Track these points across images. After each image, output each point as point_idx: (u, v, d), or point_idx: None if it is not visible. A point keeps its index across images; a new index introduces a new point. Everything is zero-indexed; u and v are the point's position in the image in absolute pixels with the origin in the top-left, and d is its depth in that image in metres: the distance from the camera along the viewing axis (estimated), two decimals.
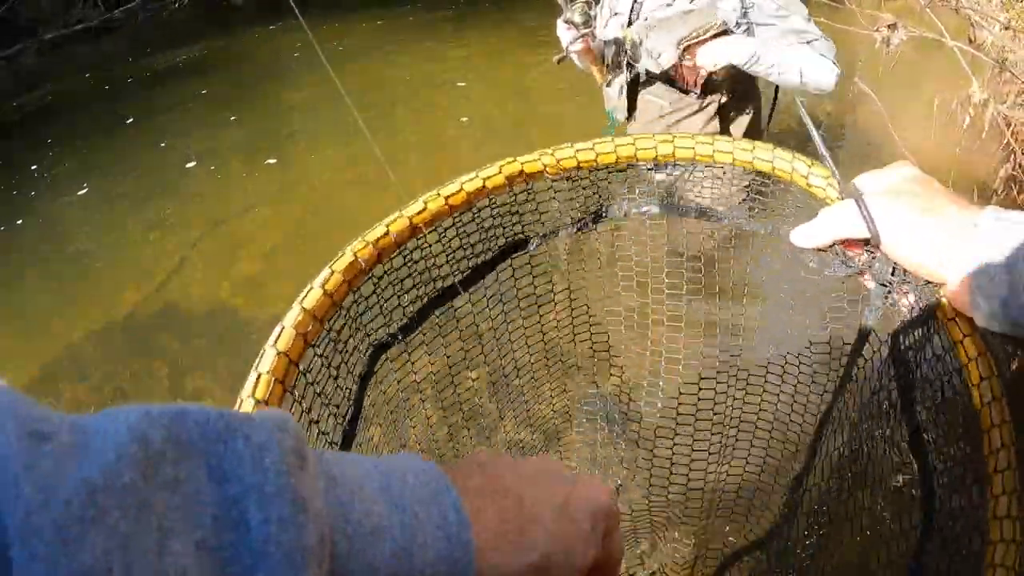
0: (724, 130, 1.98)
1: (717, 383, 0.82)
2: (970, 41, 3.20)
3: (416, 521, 0.27)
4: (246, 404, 0.45)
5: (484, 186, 0.60)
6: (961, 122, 2.75)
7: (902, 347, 0.56)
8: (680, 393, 0.85)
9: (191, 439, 0.21)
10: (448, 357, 0.71)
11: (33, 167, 4.05)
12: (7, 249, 3.36)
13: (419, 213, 0.57)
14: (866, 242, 0.53)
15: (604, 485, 0.37)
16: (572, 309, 0.82)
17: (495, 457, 0.35)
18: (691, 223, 0.71)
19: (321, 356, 0.52)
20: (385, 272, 0.57)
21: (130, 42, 5.82)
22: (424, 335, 0.64)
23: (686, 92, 1.89)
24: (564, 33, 1.90)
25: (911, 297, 0.54)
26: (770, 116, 2.10)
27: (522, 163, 0.61)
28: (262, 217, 3.18)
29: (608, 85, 2.04)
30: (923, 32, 2.89)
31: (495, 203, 0.62)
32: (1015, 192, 2.54)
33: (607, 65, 1.92)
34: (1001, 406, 0.46)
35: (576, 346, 0.85)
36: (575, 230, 0.68)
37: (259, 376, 0.46)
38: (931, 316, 0.52)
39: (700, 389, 0.83)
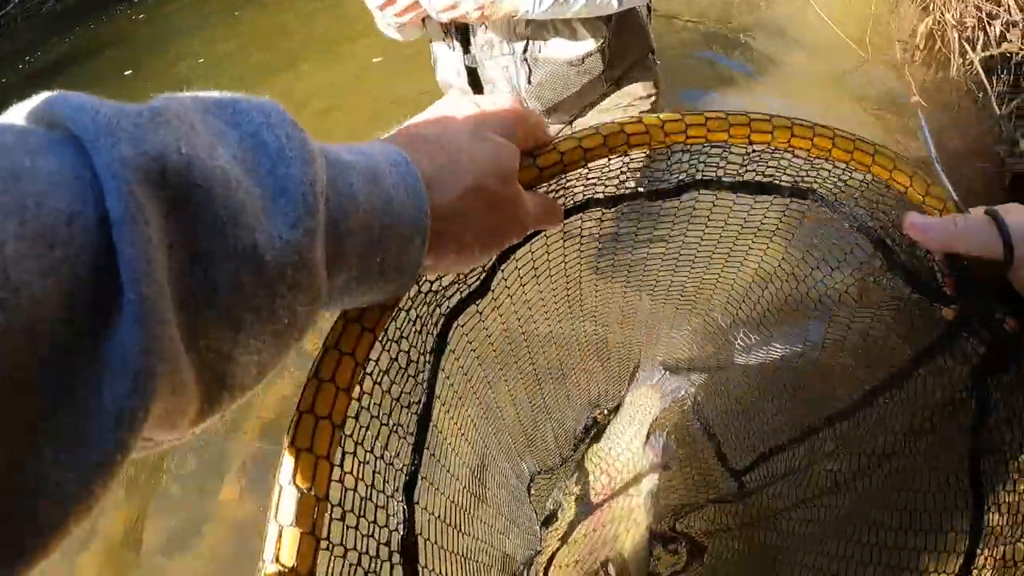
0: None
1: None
2: None
3: (374, 160, 0.34)
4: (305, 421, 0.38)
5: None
6: None
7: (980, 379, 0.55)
8: None
9: (229, 117, 0.29)
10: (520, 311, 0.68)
11: None
12: None
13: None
14: (987, 265, 0.47)
15: (509, 96, 0.42)
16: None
17: (410, 125, 0.40)
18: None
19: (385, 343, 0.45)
20: None
21: (12, 43, 5.40)
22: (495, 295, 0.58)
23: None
24: None
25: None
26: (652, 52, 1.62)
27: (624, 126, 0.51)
28: None
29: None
30: None
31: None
32: (938, 45, 2.55)
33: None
34: None
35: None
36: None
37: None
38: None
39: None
